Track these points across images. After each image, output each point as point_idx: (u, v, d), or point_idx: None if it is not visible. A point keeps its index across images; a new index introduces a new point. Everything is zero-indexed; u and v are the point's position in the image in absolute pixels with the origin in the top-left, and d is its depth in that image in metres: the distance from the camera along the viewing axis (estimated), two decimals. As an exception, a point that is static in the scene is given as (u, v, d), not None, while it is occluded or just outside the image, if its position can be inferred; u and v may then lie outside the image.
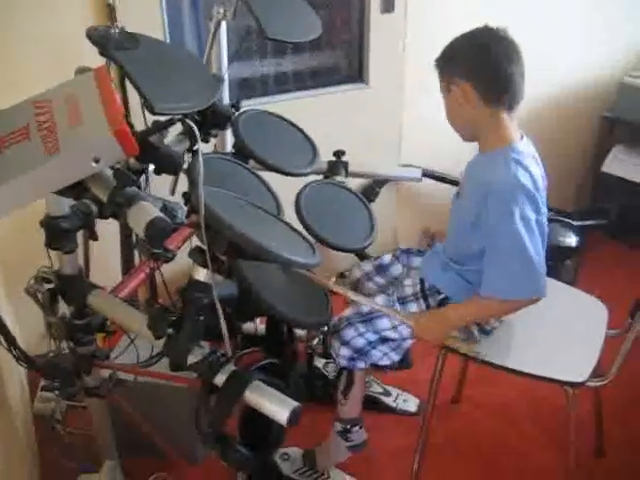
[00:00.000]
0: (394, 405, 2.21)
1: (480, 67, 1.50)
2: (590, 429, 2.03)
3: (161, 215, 1.04)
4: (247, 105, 1.93)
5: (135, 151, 1.08)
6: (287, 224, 1.40)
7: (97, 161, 1.06)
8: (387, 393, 2.24)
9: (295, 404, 1.22)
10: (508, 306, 1.58)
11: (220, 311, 1.23)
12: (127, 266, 2.02)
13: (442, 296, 1.72)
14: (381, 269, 1.92)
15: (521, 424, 2.20)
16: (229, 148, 2.08)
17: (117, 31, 1.38)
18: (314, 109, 2.43)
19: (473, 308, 1.64)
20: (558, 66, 2.85)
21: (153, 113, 1.27)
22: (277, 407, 1.23)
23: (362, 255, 2.62)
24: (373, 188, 2.68)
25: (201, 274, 1.29)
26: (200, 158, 1.12)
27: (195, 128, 1.26)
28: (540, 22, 2.67)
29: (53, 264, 1.48)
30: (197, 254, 1.24)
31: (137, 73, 1.31)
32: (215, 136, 1.84)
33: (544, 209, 1.54)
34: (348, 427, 1.87)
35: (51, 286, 1.50)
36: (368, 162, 2.37)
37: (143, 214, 1.05)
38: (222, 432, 1.28)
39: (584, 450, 1.97)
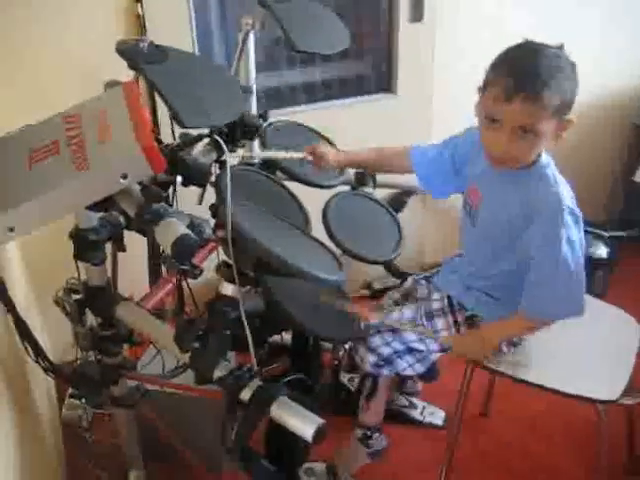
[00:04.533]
0: (420, 418, 2.19)
1: None
2: (621, 445, 1.99)
3: (188, 232, 1.04)
4: (276, 115, 1.93)
5: (162, 168, 1.08)
6: (314, 239, 1.40)
7: (125, 177, 1.06)
8: (413, 406, 2.21)
9: (320, 421, 1.21)
10: (548, 324, 1.56)
11: (247, 326, 1.23)
12: (154, 276, 2.03)
13: (469, 312, 1.70)
14: (408, 295, 1.89)
15: (551, 438, 2.16)
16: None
17: (146, 44, 1.39)
18: (342, 119, 2.42)
19: (513, 328, 1.62)
20: (587, 74, 2.80)
21: (183, 127, 1.27)
22: (303, 424, 1.22)
23: (389, 267, 2.61)
24: (400, 199, 2.66)
25: (228, 288, 1.30)
26: (228, 173, 1.13)
27: (222, 143, 1.26)
28: (564, 29, 2.63)
29: (81, 275, 1.49)
30: (224, 269, 1.24)
31: (166, 87, 1.31)
32: (243, 146, 1.84)
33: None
34: (369, 433, 1.87)
35: (79, 297, 1.51)
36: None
37: (170, 231, 1.05)
38: (247, 446, 1.28)
39: (614, 467, 1.93)
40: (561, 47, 1.42)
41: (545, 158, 1.52)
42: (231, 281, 1.22)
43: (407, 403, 2.21)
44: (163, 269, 2.04)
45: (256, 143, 2.03)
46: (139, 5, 1.98)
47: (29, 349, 1.45)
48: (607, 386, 1.63)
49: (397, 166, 1.81)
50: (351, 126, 2.35)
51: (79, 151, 1.10)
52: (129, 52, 1.38)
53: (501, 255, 1.61)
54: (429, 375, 2.08)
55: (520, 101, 1.35)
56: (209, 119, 1.34)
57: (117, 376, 1.60)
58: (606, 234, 2.71)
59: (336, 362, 2.23)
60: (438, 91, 2.55)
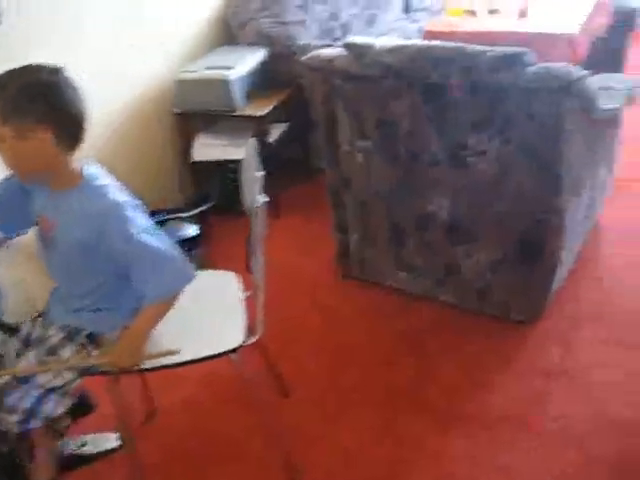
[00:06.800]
0: (96, 451, 2.15)
1: (61, 112, 1.50)
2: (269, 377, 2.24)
3: None
4: None
5: None
6: None
7: None
8: (84, 444, 2.16)
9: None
10: (174, 299, 1.68)
11: None
12: None
13: (87, 331, 1.75)
14: (27, 341, 1.81)
15: (215, 409, 2.32)
16: None
17: None
18: None
19: (151, 316, 1.68)
20: (123, 79, 3.00)
21: None
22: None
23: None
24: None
25: None
26: None
27: None
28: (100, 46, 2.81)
29: None
30: None
31: None
32: None
33: None
34: None
35: None
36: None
37: None
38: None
39: (273, 395, 2.24)
40: (60, 69, 1.53)
41: (91, 172, 1.65)
42: None
43: (78, 444, 2.15)
44: None
45: None
46: None
47: None
48: (232, 336, 1.83)
49: None
50: None
51: None
52: None
53: (89, 271, 1.70)
54: (84, 408, 2.06)
55: None
56: None
57: None
58: (187, 214, 2.95)
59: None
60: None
